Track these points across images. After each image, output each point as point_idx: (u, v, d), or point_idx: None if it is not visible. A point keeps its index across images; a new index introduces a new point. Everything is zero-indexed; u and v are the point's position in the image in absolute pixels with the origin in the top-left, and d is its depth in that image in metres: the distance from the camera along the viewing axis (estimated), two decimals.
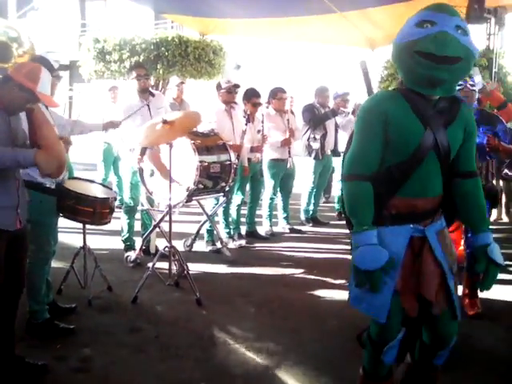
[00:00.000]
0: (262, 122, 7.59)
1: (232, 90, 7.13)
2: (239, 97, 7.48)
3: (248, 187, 7.75)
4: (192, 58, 15.25)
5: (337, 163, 8.90)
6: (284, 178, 8.10)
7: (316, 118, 8.42)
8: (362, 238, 2.76)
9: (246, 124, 7.03)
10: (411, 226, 2.87)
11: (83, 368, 3.93)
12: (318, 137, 8.45)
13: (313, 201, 8.91)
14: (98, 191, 4.96)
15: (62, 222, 4.71)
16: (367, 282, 2.73)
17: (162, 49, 14.80)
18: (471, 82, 4.91)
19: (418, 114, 2.76)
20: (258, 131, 7.51)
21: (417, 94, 2.77)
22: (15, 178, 3.47)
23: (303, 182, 8.81)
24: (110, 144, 8.83)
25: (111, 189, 5.25)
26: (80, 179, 5.15)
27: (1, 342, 3.66)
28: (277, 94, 7.97)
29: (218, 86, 7.21)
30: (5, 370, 3.64)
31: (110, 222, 4.86)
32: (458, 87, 4.87)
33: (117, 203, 6.22)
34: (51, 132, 3.50)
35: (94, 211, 4.61)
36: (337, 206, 9.50)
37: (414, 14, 2.78)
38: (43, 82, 3.40)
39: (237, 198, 7.48)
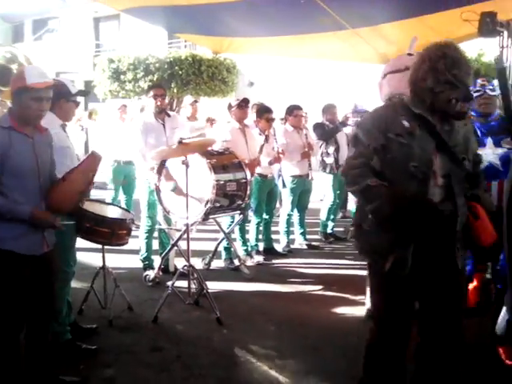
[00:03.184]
0: (275, 135, 7.63)
1: (242, 104, 7.20)
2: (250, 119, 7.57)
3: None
4: (205, 76, 15.43)
5: None
6: (301, 193, 8.12)
7: (326, 132, 8.51)
8: None
9: (266, 141, 7.12)
10: None
11: None
12: (330, 151, 8.53)
13: (332, 216, 8.91)
14: (114, 213, 5.00)
15: (81, 242, 4.72)
16: None
17: (176, 68, 15.00)
18: (490, 87, 4.53)
19: None
20: (273, 148, 7.54)
21: None
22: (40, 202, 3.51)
23: (319, 197, 8.82)
24: (120, 163, 8.91)
25: (128, 211, 5.27)
26: (96, 201, 5.20)
27: (37, 364, 3.70)
28: (293, 112, 8.08)
29: (229, 106, 7.32)
30: None
31: (127, 243, 4.86)
32: (475, 94, 4.58)
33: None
34: (80, 185, 3.58)
35: (111, 232, 4.61)
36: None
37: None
38: (37, 74, 3.43)
39: (255, 218, 7.57)
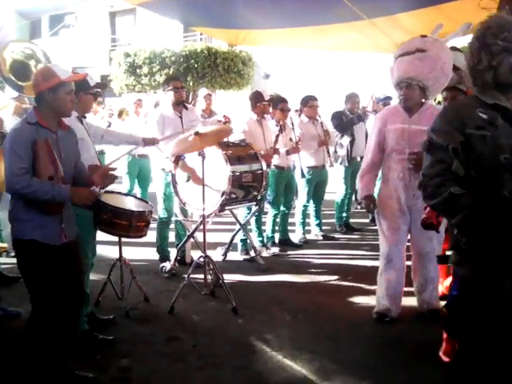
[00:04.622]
0: (293, 125, 7.60)
1: (271, 103, 7.28)
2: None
3: None
4: (221, 69, 15.43)
5: None
6: (317, 185, 8.11)
7: (342, 124, 8.44)
8: None
9: (281, 132, 7.09)
10: None
11: (123, 378, 3.99)
12: (344, 143, 8.47)
13: (345, 207, 8.90)
14: (132, 204, 5.01)
15: (98, 234, 4.77)
16: None
17: (192, 61, 15.00)
18: None
19: None
20: (290, 139, 7.53)
21: None
22: None
23: (333, 188, 8.80)
24: (135, 156, 8.94)
25: (147, 202, 5.29)
26: (115, 193, 5.21)
27: (56, 355, 3.75)
28: (308, 102, 8.04)
29: (259, 97, 7.21)
30: (56, 382, 3.73)
31: (145, 235, 4.86)
32: None
33: None
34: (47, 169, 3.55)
35: (130, 224, 4.60)
36: None
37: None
38: (61, 71, 3.60)
39: (272, 210, 7.57)
